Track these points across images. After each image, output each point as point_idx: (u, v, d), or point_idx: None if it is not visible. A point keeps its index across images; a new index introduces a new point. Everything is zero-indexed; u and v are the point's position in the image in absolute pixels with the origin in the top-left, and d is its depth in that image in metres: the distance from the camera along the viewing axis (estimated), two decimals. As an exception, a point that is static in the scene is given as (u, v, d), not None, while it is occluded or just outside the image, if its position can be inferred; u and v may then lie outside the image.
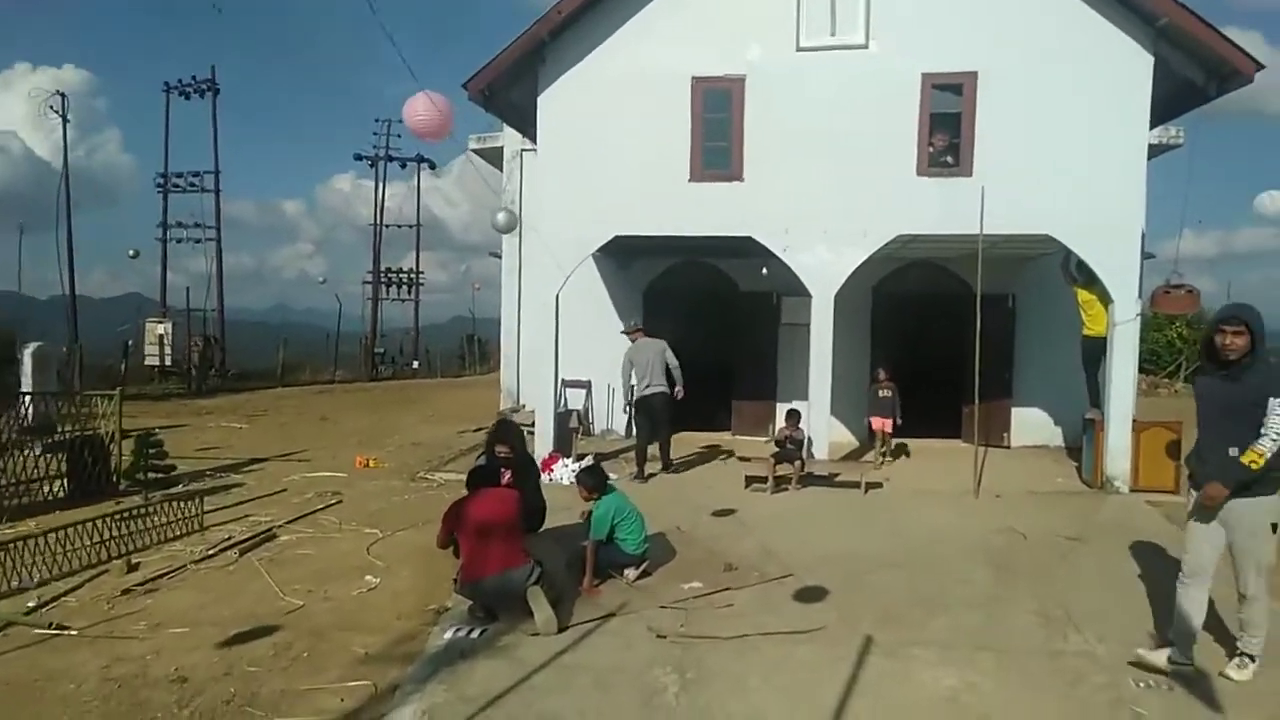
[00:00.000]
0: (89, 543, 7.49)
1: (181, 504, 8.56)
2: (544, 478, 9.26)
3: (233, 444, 14.47)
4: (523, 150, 15.66)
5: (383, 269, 38.94)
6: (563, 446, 11.69)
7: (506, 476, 6.73)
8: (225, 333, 28.26)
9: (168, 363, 26.58)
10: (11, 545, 6.81)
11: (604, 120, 11.46)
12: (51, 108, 22.93)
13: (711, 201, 11.30)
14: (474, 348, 36.24)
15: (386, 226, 38.50)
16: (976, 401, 10.39)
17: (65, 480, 10.12)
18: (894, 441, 12.44)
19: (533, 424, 12.05)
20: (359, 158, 36.88)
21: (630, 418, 13.31)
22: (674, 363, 10.96)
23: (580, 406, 14.34)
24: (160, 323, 26.74)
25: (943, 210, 10.71)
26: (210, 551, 7.73)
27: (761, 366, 14.21)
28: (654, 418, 11.07)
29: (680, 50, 11.25)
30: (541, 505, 7.21)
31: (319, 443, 14.60)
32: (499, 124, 15.34)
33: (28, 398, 11.84)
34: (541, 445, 11.50)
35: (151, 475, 9.96)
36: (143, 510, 8.31)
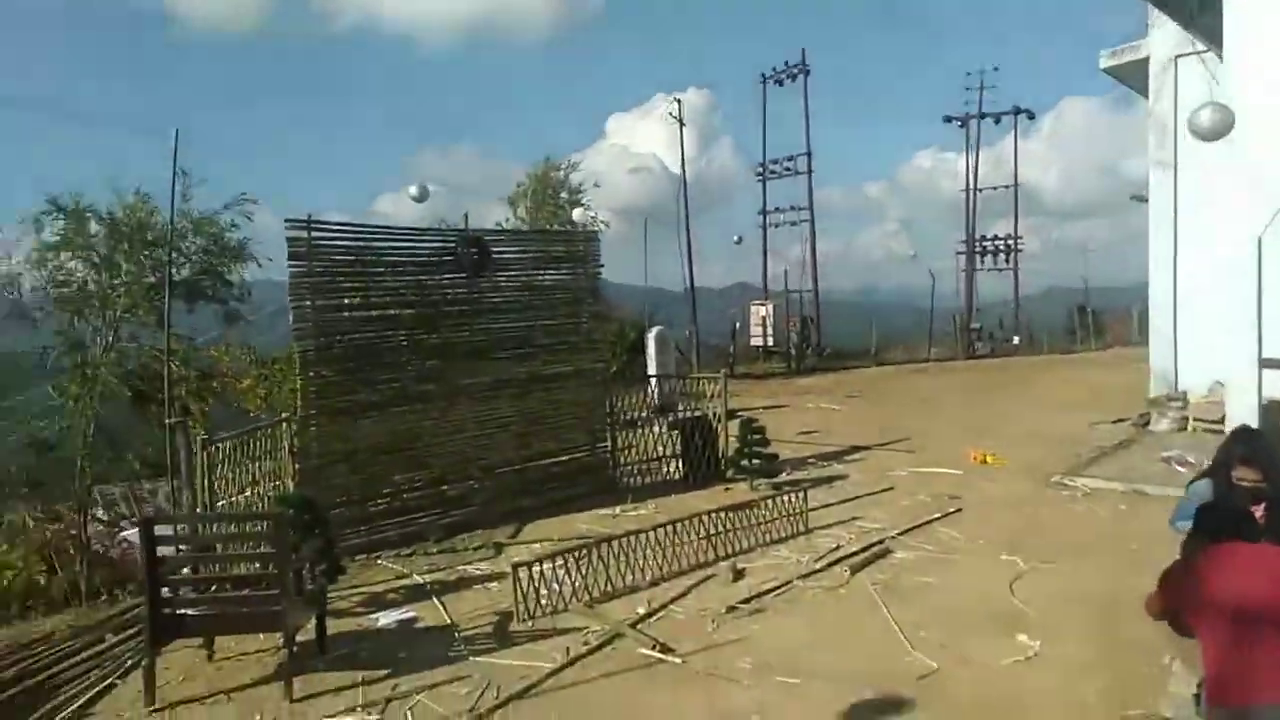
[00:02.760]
0: (696, 537, 6.95)
1: (787, 499, 7.68)
2: None
3: (831, 427, 13.73)
4: (1178, 56, 11.96)
5: (975, 238, 36.11)
6: None
7: (1259, 515, 4.19)
8: (820, 313, 28.76)
9: (769, 343, 27.85)
10: (630, 536, 6.49)
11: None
12: (670, 114, 25.49)
13: None
14: (1086, 321, 31.40)
15: (981, 190, 35.46)
16: None
17: (680, 462, 10.20)
18: None
19: (1219, 419, 8.79)
20: (949, 119, 34.63)
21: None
22: None
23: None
24: (762, 305, 28.16)
25: None
26: (818, 565, 6.63)
27: None
28: None
29: None
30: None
31: (921, 429, 13.04)
32: (1136, 33, 11.95)
33: (653, 380, 12.53)
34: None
35: (754, 462, 9.43)
36: (749, 504, 7.60)
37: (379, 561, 7.37)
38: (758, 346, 27.93)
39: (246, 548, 5.14)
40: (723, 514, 7.13)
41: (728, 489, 9.52)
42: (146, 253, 8.63)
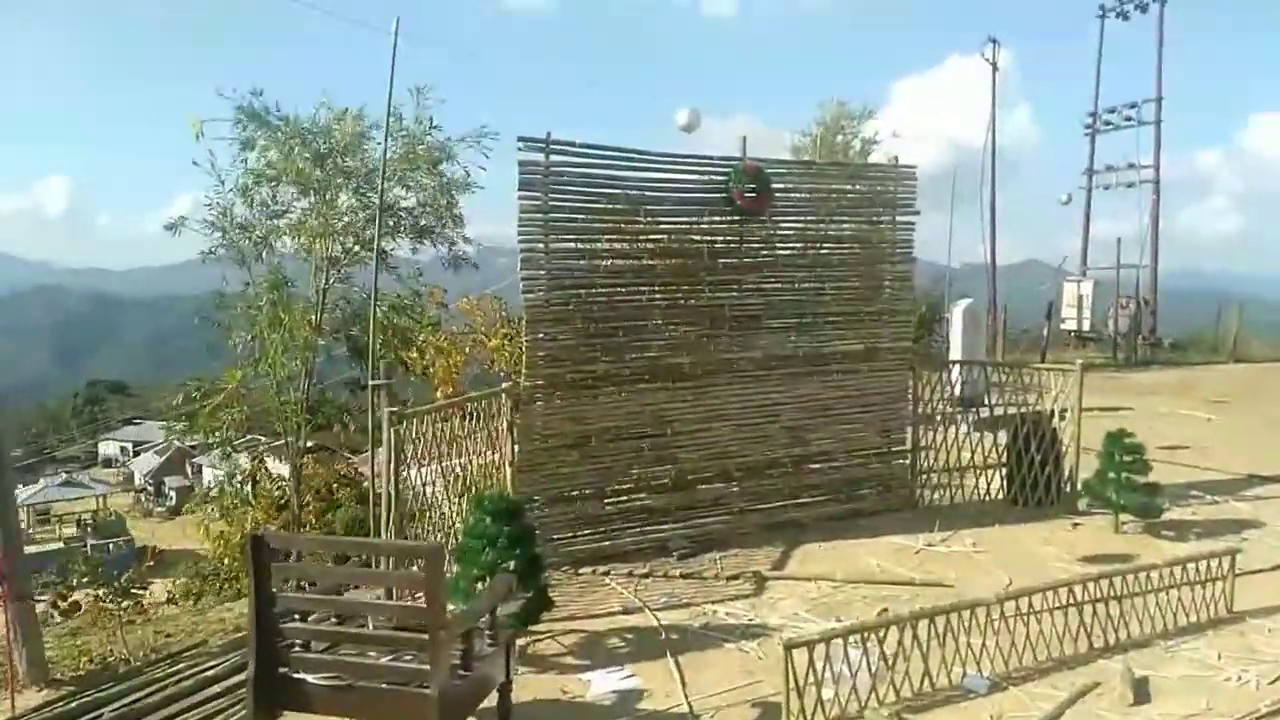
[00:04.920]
0: (1055, 605, 4.57)
1: (1201, 565, 5.02)
2: None
3: (1204, 444, 10.33)
4: None
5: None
6: None
7: None
8: (1158, 295, 23.71)
9: (1085, 327, 23.46)
10: (953, 613, 4.25)
11: None
12: (983, 55, 21.84)
13: None
14: None
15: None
16: None
17: (1004, 478, 7.67)
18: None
19: None
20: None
21: None
22: None
23: None
24: (1080, 282, 23.71)
25: None
26: (1287, 695, 4.03)
27: None
28: None
29: None
30: None
31: (1348, 458, 9.35)
32: None
33: (956, 367, 9.92)
34: None
35: (1123, 494, 6.69)
36: (1144, 568, 5.04)
37: (606, 579, 5.74)
38: (1070, 331, 23.64)
39: (390, 594, 3.57)
40: (1105, 583, 4.67)
41: (1076, 525, 6.95)
42: (360, 177, 7.52)
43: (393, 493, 4.69)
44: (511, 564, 4.36)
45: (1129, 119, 23.76)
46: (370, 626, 3.37)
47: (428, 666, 3.02)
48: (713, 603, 5.33)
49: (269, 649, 3.12)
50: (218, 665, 4.21)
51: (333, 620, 3.27)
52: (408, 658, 3.19)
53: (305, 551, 3.32)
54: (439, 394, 9.81)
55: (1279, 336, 25.33)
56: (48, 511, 41.59)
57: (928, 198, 7.49)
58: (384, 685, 3.12)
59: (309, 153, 7.47)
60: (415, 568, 3.46)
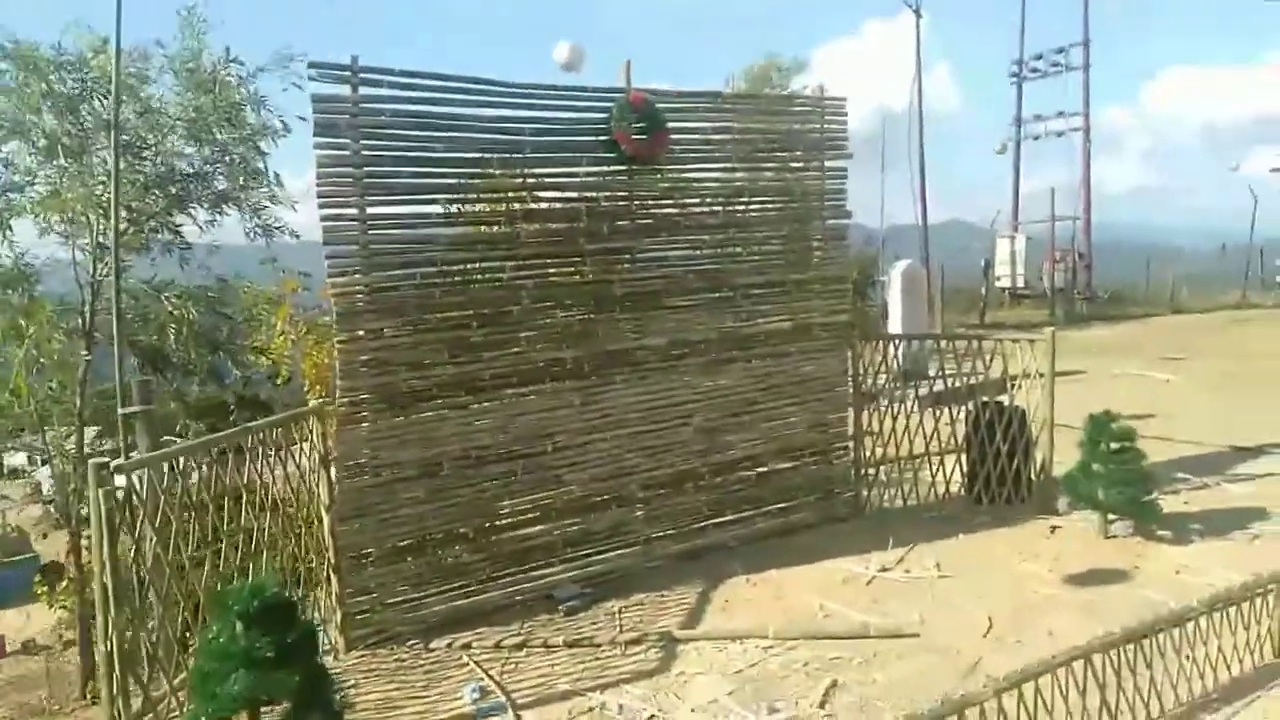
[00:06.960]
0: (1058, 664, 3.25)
1: (1245, 606, 3.77)
2: None
3: (1170, 409, 9.30)
4: None
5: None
6: None
7: None
8: (1091, 248, 22.97)
9: (1020, 284, 22.76)
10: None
11: None
12: (908, 4, 20.64)
13: None
14: None
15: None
16: None
17: (964, 472, 6.40)
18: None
19: None
20: (1272, -3, 26.82)
21: None
22: None
23: None
24: (1013, 237, 22.93)
25: None
26: None
27: None
28: None
29: None
30: None
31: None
32: None
33: (897, 340, 8.66)
34: None
35: (1115, 490, 5.46)
36: (1163, 627, 3.79)
37: (465, 656, 4.28)
38: (1004, 289, 22.90)
39: None
40: (1131, 649, 3.37)
41: (1055, 529, 5.73)
42: (131, 131, 5.68)
43: (109, 584, 3.13)
44: (290, 683, 2.89)
45: (1056, 65, 22.90)
46: None
47: None
48: (603, 687, 3.91)
49: None
50: None
51: None
52: None
53: None
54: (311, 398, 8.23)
55: (1202, 287, 25.02)
56: (-57, 530, 38.54)
57: (854, 160, 6.15)
58: None
59: (54, 97, 5.67)
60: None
